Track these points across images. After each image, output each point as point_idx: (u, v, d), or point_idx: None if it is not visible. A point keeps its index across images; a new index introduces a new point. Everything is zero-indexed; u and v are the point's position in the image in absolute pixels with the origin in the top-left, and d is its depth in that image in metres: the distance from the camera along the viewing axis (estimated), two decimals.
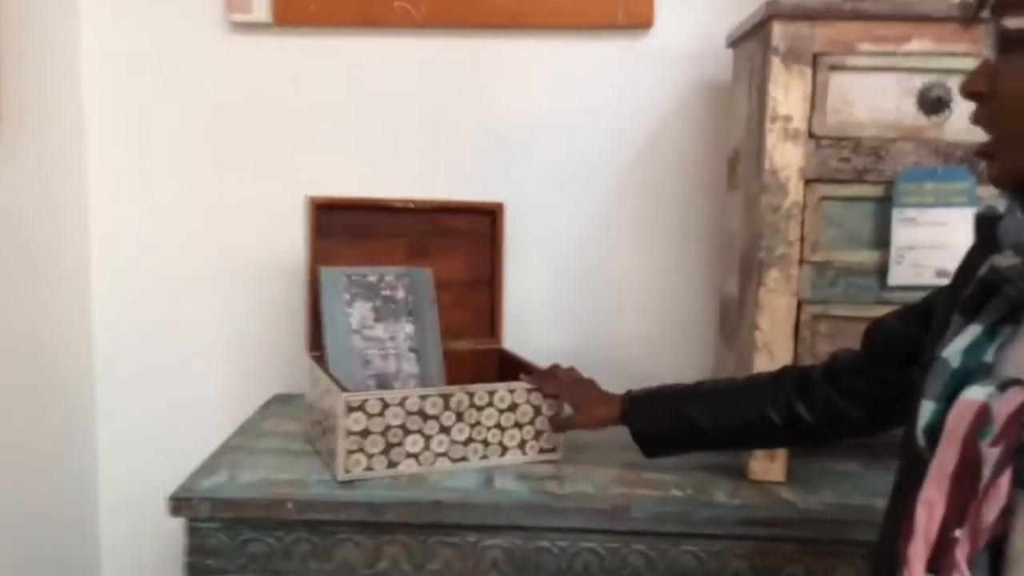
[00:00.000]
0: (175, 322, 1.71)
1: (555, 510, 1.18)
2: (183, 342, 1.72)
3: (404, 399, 1.24)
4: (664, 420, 1.20)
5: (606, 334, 1.74)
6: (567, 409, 1.32)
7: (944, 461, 0.68)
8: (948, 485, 0.67)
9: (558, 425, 1.32)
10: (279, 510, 1.18)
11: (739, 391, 1.17)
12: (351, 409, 1.21)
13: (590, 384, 1.32)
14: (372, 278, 1.46)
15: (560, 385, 1.33)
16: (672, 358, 1.73)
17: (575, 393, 1.30)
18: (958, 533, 0.65)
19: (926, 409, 0.72)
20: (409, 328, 1.46)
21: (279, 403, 1.64)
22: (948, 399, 0.70)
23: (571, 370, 1.35)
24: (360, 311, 1.44)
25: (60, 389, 1.62)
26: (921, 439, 0.73)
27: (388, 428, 1.24)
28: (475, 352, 1.56)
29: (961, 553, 0.65)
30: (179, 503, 1.18)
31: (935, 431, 0.70)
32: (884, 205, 1.24)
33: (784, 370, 1.16)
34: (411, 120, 1.69)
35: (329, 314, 1.41)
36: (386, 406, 1.23)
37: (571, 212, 1.72)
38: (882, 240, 1.24)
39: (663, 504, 1.19)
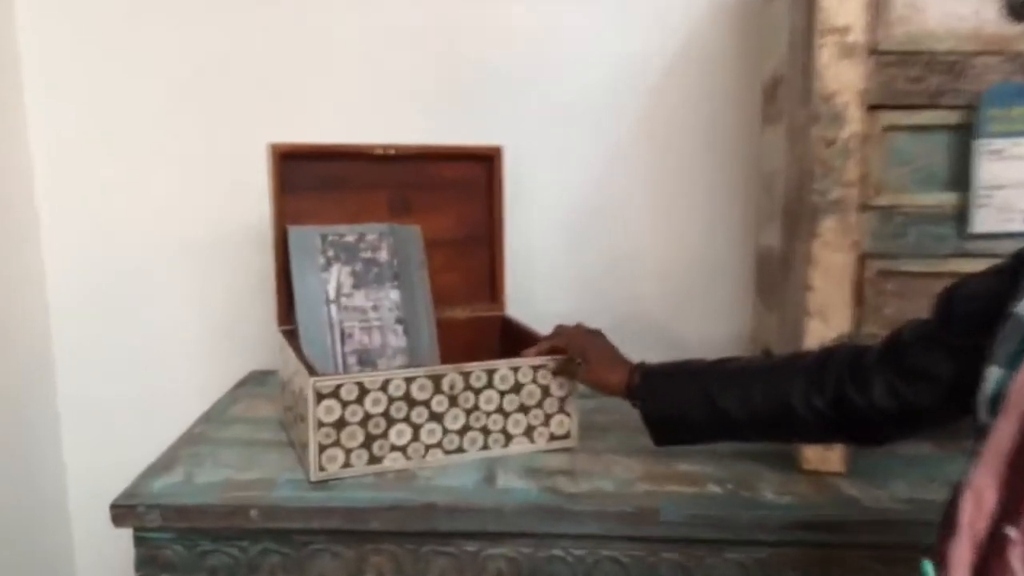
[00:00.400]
0: (137, 300, 1.51)
1: (569, 513, 0.98)
2: (148, 321, 1.52)
3: (386, 382, 1.04)
4: (682, 401, 0.99)
5: (623, 297, 1.53)
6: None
7: (1001, 439, 0.57)
8: (1004, 469, 0.56)
9: (562, 370, 1.13)
10: (241, 518, 0.99)
11: (776, 371, 0.95)
12: (322, 396, 1.01)
13: (600, 338, 1.12)
14: (350, 238, 1.25)
15: (567, 336, 1.13)
16: (699, 324, 1.53)
17: (584, 345, 1.10)
18: (1012, 531, 0.54)
19: (992, 376, 0.62)
20: (395, 295, 1.26)
21: (254, 382, 1.45)
22: (1017, 363, 0.59)
23: (578, 325, 1.15)
24: (337, 277, 1.23)
25: (17, 382, 1.43)
26: (983, 413, 0.61)
27: (368, 417, 1.04)
28: (474, 321, 1.36)
29: (1016, 556, 0.53)
30: (122, 511, 0.99)
31: (999, 402, 0.59)
32: (964, 135, 1.02)
33: (833, 349, 0.93)
34: (389, 52, 1.46)
35: (300, 281, 1.21)
36: (364, 391, 1.03)
37: (580, 155, 1.49)
38: (961, 179, 1.02)
39: (698, 503, 0.99)
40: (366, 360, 1.22)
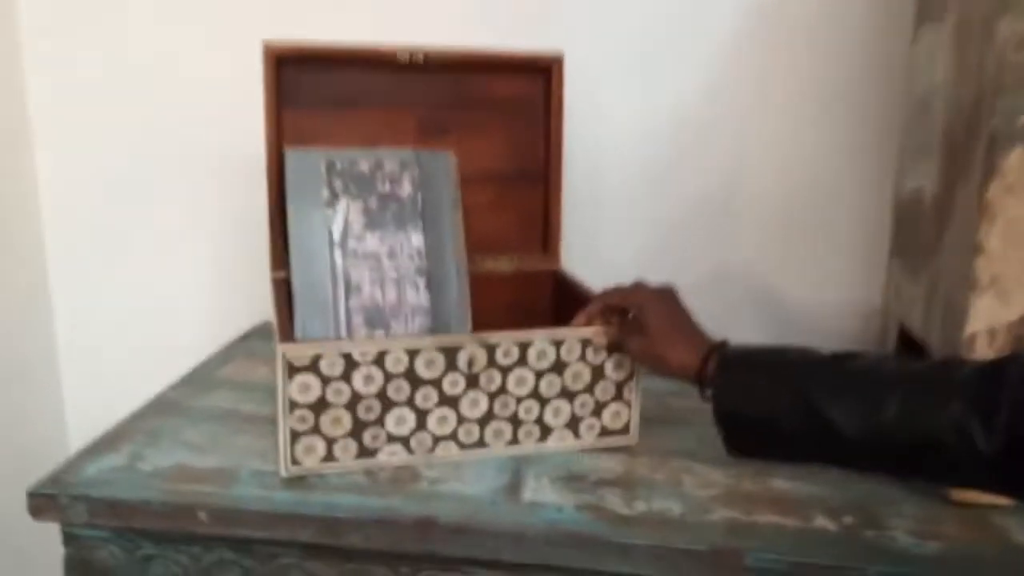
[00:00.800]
0: (134, 237, 1.30)
1: (616, 547, 0.71)
2: (147, 259, 1.30)
3: (382, 354, 0.78)
4: (773, 403, 0.68)
5: (713, 251, 1.23)
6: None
7: None
8: None
9: (613, 343, 0.85)
10: (186, 520, 0.76)
11: (919, 381, 0.63)
12: (295, 369, 0.77)
13: (670, 300, 0.82)
14: (364, 166, 0.99)
15: (623, 295, 0.84)
16: (812, 291, 1.21)
17: (646, 308, 0.80)
18: None
19: None
20: (418, 240, 0.99)
21: (259, 335, 1.22)
22: None
23: (639, 283, 0.85)
24: (345, 214, 0.98)
25: (14, 322, 1.25)
26: None
27: (358, 398, 0.79)
28: (520, 277, 1.08)
29: None
30: (41, 501, 0.77)
31: None
32: None
33: (1010, 359, 0.60)
34: None
35: (297, 218, 0.96)
36: (353, 364, 0.78)
37: (663, 68, 1.18)
38: None
39: (801, 545, 0.70)
40: (376, 321, 0.97)
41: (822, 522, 0.73)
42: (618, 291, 0.85)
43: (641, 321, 0.80)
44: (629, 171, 1.21)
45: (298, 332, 0.92)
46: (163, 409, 0.95)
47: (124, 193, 1.27)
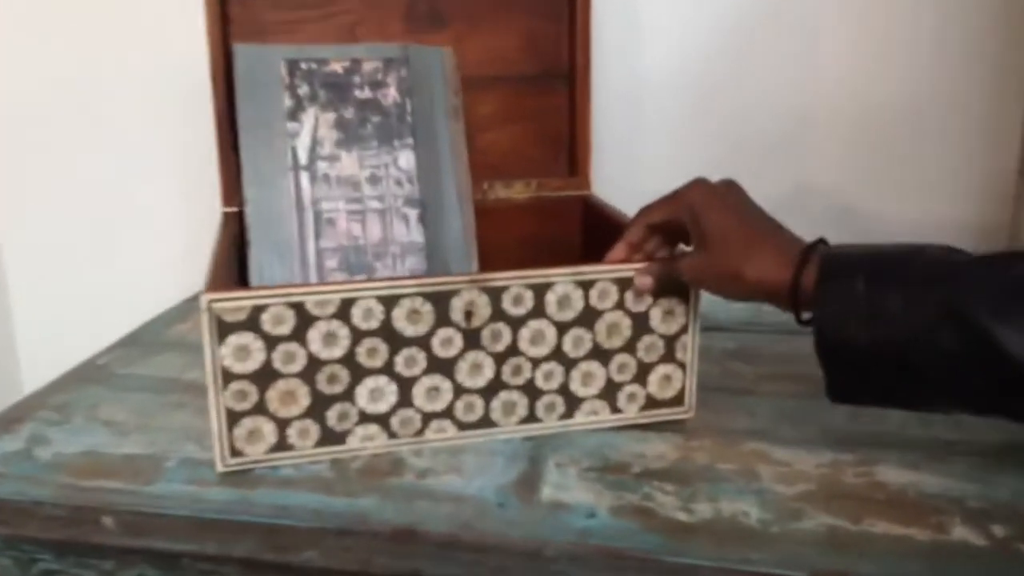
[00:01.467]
0: (77, 176, 1.08)
1: (672, 570, 0.50)
2: (97, 203, 1.09)
3: (348, 303, 0.57)
4: (908, 320, 0.48)
5: (787, 172, 1.00)
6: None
7: None
8: None
9: (667, 271, 0.62)
10: (88, 528, 0.57)
11: None
12: (228, 326, 0.56)
13: (736, 197, 0.61)
14: (337, 66, 0.78)
15: (680, 203, 0.61)
16: (918, 208, 0.99)
17: (706, 213, 0.58)
18: None
19: None
20: (407, 160, 0.78)
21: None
22: None
23: (698, 182, 0.62)
24: (312, 128, 0.76)
25: None
26: None
27: (317, 365, 0.58)
28: (540, 205, 0.87)
29: None
30: None
31: None
32: None
33: None
34: None
35: (252, 134, 0.75)
36: (307, 319, 0.57)
37: None
38: None
39: (939, 567, 0.49)
40: (355, 264, 0.76)
41: (962, 533, 0.52)
42: (663, 202, 0.63)
43: (699, 231, 0.58)
44: (676, 72, 0.98)
45: (253, 282, 0.72)
46: (86, 376, 0.75)
47: (55, 128, 1.06)
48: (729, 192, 0.60)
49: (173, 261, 1.07)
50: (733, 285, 0.57)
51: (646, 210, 0.64)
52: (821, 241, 0.55)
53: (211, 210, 0.81)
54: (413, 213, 0.77)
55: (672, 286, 0.62)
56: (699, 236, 0.58)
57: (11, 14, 1.02)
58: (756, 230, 0.57)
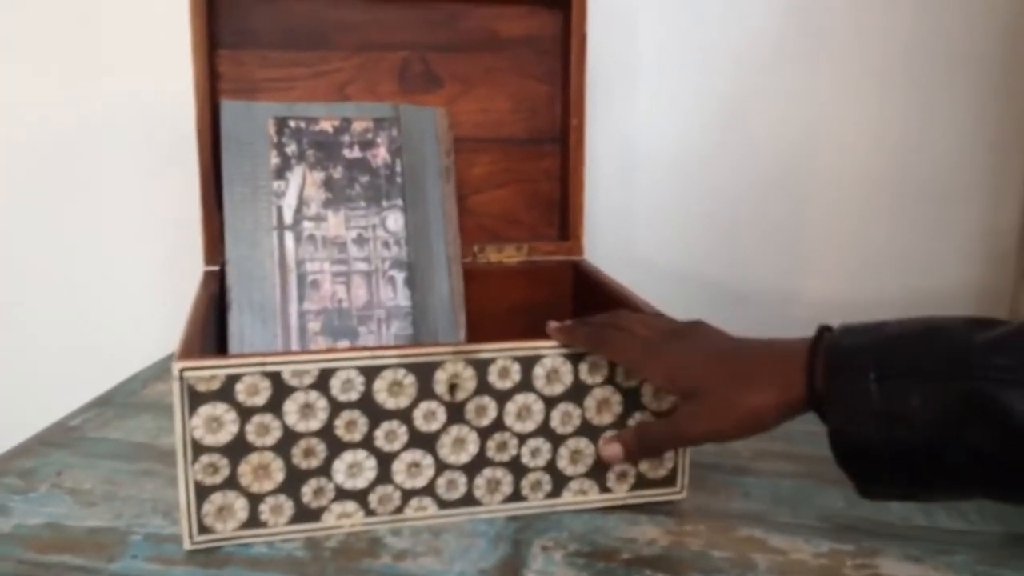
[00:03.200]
0: (61, 232, 1.06)
1: None
2: (80, 258, 1.06)
3: (327, 373, 0.55)
4: (933, 412, 0.44)
5: (781, 241, 0.98)
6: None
7: None
8: None
9: (641, 444, 0.58)
10: None
11: None
12: (199, 396, 0.53)
13: (712, 341, 0.56)
14: (327, 124, 0.76)
15: (626, 355, 0.57)
16: (918, 279, 0.97)
17: (687, 374, 0.53)
18: None
19: None
20: (396, 222, 0.76)
21: None
22: None
23: (645, 317, 0.61)
24: (300, 187, 0.75)
25: None
26: None
27: (294, 438, 0.56)
28: (531, 270, 0.85)
29: None
30: None
31: None
32: None
33: None
34: None
35: (236, 191, 0.73)
36: (283, 389, 0.55)
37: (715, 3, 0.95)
38: None
39: None
40: (339, 328, 0.73)
41: None
42: (586, 332, 0.59)
43: (680, 388, 0.54)
44: (671, 137, 0.97)
45: (233, 345, 0.70)
46: (54, 439, 0.72)
47: (35, 177, 1.04)
48: (695, 336, 0.56)
49: (154, 316, 1.04)
50: (753, 421, 0.50)
51: (581, 333, 0.59)
52: (825, 330, 0.51)
53: (194, 266, 0.78)
54: (400, 276, 0.75)
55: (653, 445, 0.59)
56: (682, 393, 0.54)
57: None
58: (742, 354, 0.53)
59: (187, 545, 0.56)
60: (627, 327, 0.58)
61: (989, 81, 0.93)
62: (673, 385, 0.54)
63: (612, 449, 0.58)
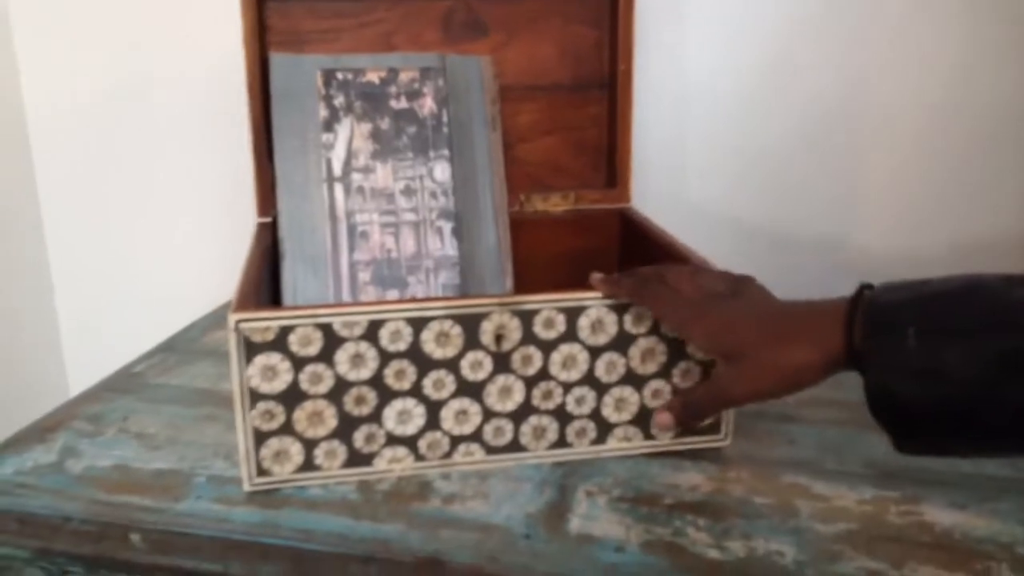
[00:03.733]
0: (120, 183, 1.08)
1: None
2: (142, 208, 1.09)
3: (376, 325, 0.57)
4: (971, 370, 0.43)
5: (832, 186, 0.96)
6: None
7: None
8: None
9: (686, 409, 0.59)
10: (115, 544, 0.57)
11: None
12: (255, 347, 0.56)
13: (751, 294, 0.56)
14: (373, 76, 0.77)
15: (659, 294, 0.58)
16: (967, 243, 0.94)
17: (726, 338, 0.54)
18: None
19: None
20: (443, 172, 0.77)
21: None
22: None
23: (695, 276, 0.59)
24: (348, 139, 0.76)
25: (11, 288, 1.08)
26: None
27: (345, 386, 0.58)
28: (578, 219, 0.85)
29: None
30: None
31: None
32: None
33: None
34: None
35: (286, 144, 0.75)
36: (335, 340, 0.56)
37: None
38: None
39: None
40: (388, 278, 0.75)
41: None
42: (634, 285, 0.59)
43: (721, 352, 0.54)
44: (720, 83, 0.95)
45: (287, 295, 0.72)
46: (120, 386, 0.76)
47: (95, 136, 1.06)
48: (745, 290, 0.56)
49: (213, 266, 1.07)
50: (796, 379, 0.50)
51: (618, 281, 0.60)
52: (865, 287, 0.50)
53: (249, 216, 0.80)
54: (448, 226, 0.76)
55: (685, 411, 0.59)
56: (723, 356, 0.54)
57: (52, 25, 1.03)
58: (784, 316, 0.52)
59: (247, 487, 0.59)
60: (673, 283, 0.58)
61: None
62: (715, 348, 0.55)
63: (662, 418, 0.58)
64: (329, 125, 0.75)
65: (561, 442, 0.62)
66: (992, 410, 0.43)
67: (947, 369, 0.44)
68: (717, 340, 0.54)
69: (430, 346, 0.58)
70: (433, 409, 0.59)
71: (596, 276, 0.61)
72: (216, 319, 0.92)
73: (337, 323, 0.56)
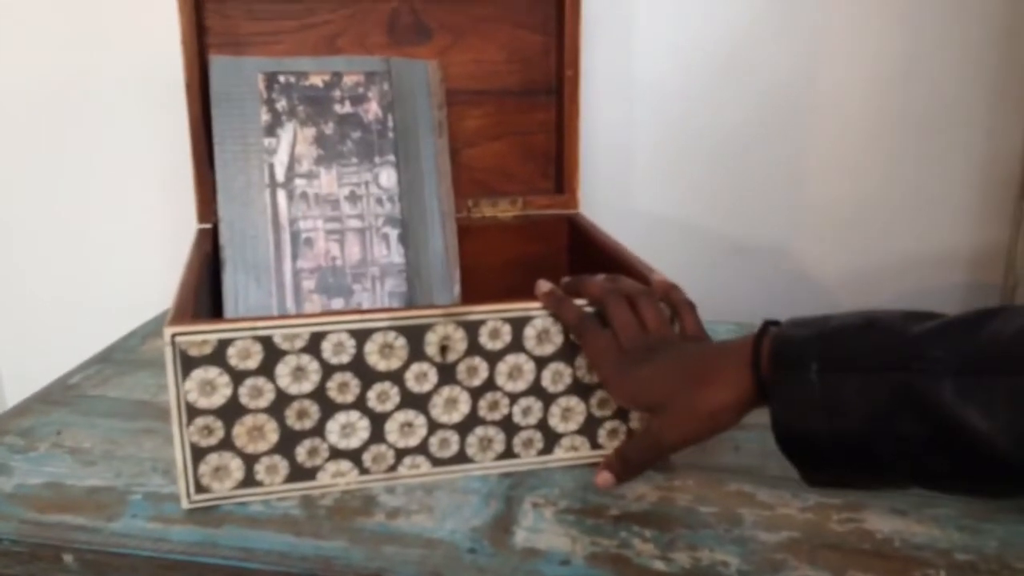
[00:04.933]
0: (60, 190, 1.05)
1: None
2: (80, 212, 1.06)
3: (320, 336, 0.55)
4: (870, 407, 0.44)
5: (779, 193, 0.97)
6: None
7: None
8: None
9: (625, 465, 0.56)
10: (49, 564, 0.55)
11: None
12: (192, 361, 0.54)
13: (665, 343, 0.57)
14: (317, 79, 0.75)
15: (594, 340, 0.58)
16: (912, 238, 0.96)
17: (648, 392, 0.54)
18: None
19: None
20: (389, 178, 0.76)
21: None
22: None
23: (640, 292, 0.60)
24: (291, 144, 0.74)
25: None
26: None
27: (286, 399, 0.56)
28: (527, 223, 0.84)
29: None
30: None
31: None
32: None
33: None
34: None
35: (227, 149, 0.73)
36: (275, 352, 0.55)
37: None
38: None
39: None
40: (333, 286, 0.74)
41: None
42: (587, 345, 0.58)
43: (645, 404, 0.54)
44: (668, 87, 0.95)
45: (228, 305, 0.70)
46: (55, 398, 0.73)
47: (34, 137, 1.03)
48: (663, 350, 0.55)
49: (153, 272, 1.04)
50: (706, 422, 0.51)
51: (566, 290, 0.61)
52: (771, 323, 0.50)
53: (190, 222, 0.78)
54: (394, 233, 0.75)
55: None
56: (647, 410, 0.54)
57: None
58: (697, 360, 0.53)
59: (185, 504, 0.57)
60: (614, 319, 0.57)
61: (991, 38, 0.91)
62: (636, 405, 0.56)
63: (603, 477, 0.57)
64: (271, 129, 0.74)
65: (508, 453, 0.61)
66: (886, 443, 0.44)
67: (847, 403, 0.44)
68: (636, 401, 0.55)
69: (374, 358, 0.57)
70: (377, 422, 0.58)
71: (542, 287, 0.60)
72: (156, 327, 0.89)
73: (278, 336, 0.55)
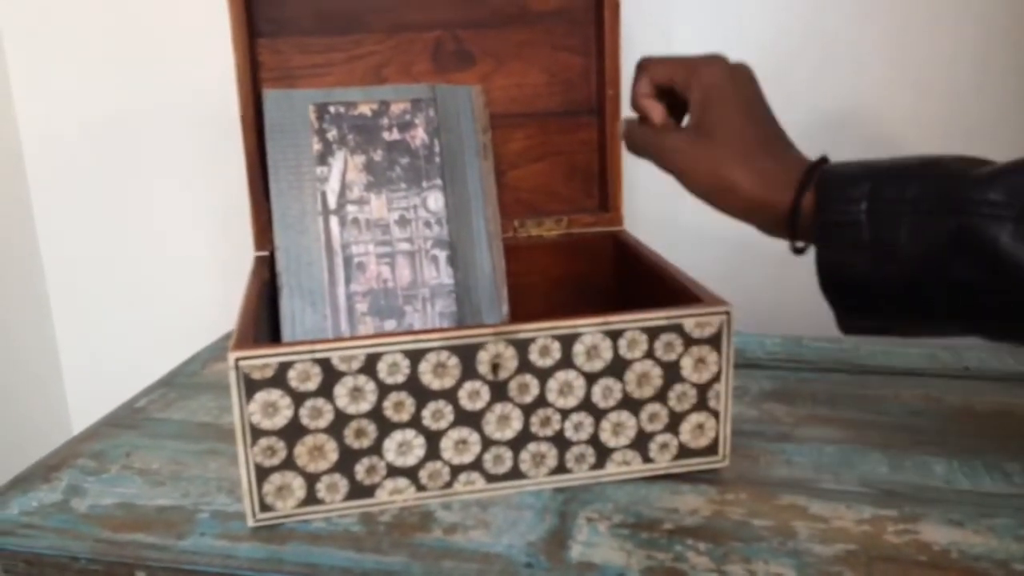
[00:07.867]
0: (123, 217, 1.10)
1: None
2: (141, 242, 1.11)
3: (373, 358, 0.57)
4: (925, 245, 0.43)
5: None
6: None
7: None
8: None
9: (639, 140, 0.59)
10: None
11: None
12: (255, 384, 0.56)
13: (749, 87, 0.56)
14: (365, 108, 0.78)
15: (676, 67, 0.59)
16: None
17: (713, 96, 0.54)
18: None
19: None
20: (437, 201, 0.78)
21: None
22: None
23: (710, 59, 0.60)
24: (342, 172, 0.77)
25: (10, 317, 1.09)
26: None
27: (344, 420, 0.58)
28: (572, 241, 0.86)
29: None
30: None
31: None
32: None
33: None
34: None
35: (281, 178, 0.75)
36: (333, 374, 0.57)
37: None
38: None
39: None
40: (386, 308, 0.76)
41: None
42: (675, 65, 0.58)
43: (702, 117, 0.53)
44: None
45: (286, 329, 0.72)
46: (122, 421, 0.76)
47: (93, 171, 1.08)
48: (746, 84, 0.55)
49: (211, 298, 1.08)
50: (722, 193, 0.51)
51: (653, 64, 0.60)
52: (824, 159, 0.49)
53: (245, 249, 0.81)
54: (443, 255, 0.77)
55: (640, 144, 0.59)
56: (699, 122, 0.53)
57: (49, 59, 1.04)
58: (761, 138, 0.51)
59: (251, 522, 0.59)
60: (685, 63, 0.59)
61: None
62: (701, 108, 0.54)
63: (621, 128, 0.60)
64: (323, 158, 0.76)
65: (560, 468, 0.63)
66: (935, 288, 0.42)
67: (897, 245, 0.43)
68: (710, 100, 0.54)
69: (428, 377, 0.59)
70: (433, 439, 0.60)
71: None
72: (215, 351, 0.92)
73: (335, 358, 0.57)
